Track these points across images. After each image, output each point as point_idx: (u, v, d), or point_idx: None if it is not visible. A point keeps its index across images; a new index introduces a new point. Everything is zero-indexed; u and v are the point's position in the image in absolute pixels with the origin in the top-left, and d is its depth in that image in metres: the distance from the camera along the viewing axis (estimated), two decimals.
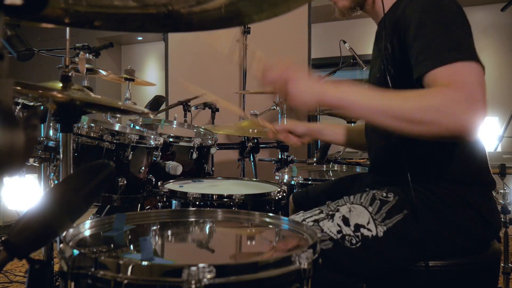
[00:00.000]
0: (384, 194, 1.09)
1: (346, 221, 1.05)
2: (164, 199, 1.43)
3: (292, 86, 0.99)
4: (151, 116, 1.19)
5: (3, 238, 0.68)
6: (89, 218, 1.89)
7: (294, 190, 1.72)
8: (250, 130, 2.17)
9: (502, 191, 1.81)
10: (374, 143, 1.28)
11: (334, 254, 1.01)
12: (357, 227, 1.03)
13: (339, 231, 1.03)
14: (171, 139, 1.98)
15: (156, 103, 2.98)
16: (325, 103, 0.99)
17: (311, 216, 1.09)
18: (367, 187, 1.16)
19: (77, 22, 0.63)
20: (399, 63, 1.07)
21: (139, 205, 1.88)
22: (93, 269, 0.62)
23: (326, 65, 5.18)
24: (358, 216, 1.05)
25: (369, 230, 1.03)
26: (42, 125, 1.61)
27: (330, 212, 1.08)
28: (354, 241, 1.02)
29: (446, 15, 0.99)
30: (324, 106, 1.01)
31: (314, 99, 0.99)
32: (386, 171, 1.22)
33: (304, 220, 1.09)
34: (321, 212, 1.10)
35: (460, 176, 1.08)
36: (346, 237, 1.03)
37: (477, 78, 0.90)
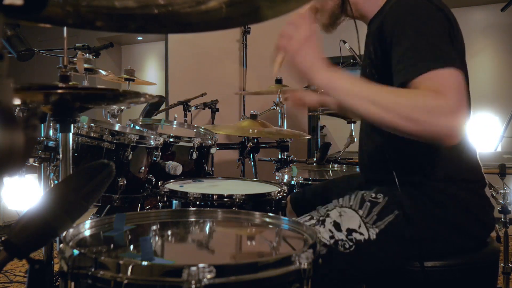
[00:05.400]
0: (373, 195, 1.08)
1: (337, 226, 1.04)
2: (164, 199, 1.43)
3: (296, 44, 0.98)
4: (147, 99, 1.18)
5: (3, 238, 0.68)
6: (89, 218, 1.89)
7: (294, 190, 1.72)
8: (250, 130, 2.17)
9: (502, 191, 1.80)
10: (365, 142, 1.28)
11: (329, 260, 1.01)
12: (349, 231, 1.03)
13: (332, 237, 1.03)
14: (171, 139, 1.98)
15: (156, 103, 2.98)
16: (313, 81, 0.98)
17: None
18: (356, 189, 1.16)
19: (78, 22, 0.63)
20: (382, 68, 1.08)
21: (139, 205, 1.88)
22: (93, 269, 0.62)
23: None
24: (349, 221, 1.05)
25: (361, 234, 1.02)
26: (42, 125, 1.61)
27: (321, 218, 1.08)
28: (347, 246, 1.02)
29: (424, 22, 1.00)
30: (311, 83, 1.00)
31: (310, 73, 0.98)
32: (376, 170, 1.22)
33: None
34: (312, 218, 1.10)
35: (449, 175, 1.09)
36: (339, 242, 1.02)
37: (454, 85, 0.91)
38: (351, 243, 1.02)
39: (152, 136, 1.78)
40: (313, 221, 1.08)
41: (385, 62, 1.05)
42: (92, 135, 1.63)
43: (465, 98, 0.90)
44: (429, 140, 0.91)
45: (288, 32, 0.99)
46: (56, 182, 1.55)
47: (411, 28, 1.00)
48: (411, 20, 1.01)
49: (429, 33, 0.99)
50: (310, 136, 2.40)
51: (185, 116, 2.79)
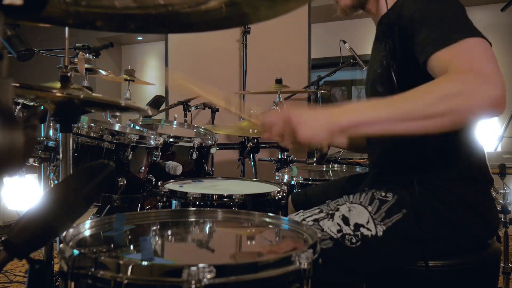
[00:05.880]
0: (383, 194, 1.09)
1: (346, 220, 1.05)
2: (164, 199, 1.43)
3: (297, 123, 0.89)
4: (150, 112, 1.18)
5: (3, 238, 0.68)
6: (89, 218, 1.89)
7: (294, 190, 1.72)
8: (250, 130, 2.17)
9: (502, 191, 1.80)
10: (375, 142, 1.28)
11: (335, 253, 1.02)
12: (357, 226, 1.04)
13: (339, 230, 1.04)
14: (171, 139, 1.98)
15: (156, 103, 2.98)
16: (341, 132, 0.90)
17: (311, 216, 1.10)
18: (366, 187, 1.17)
19: (78, 22, 0.63)
20: (401, 58, 1.08)
21: (139, 205, 1.88)
22: (93, 269, 0.62)
23: (326, 65, 5.17)
24: (358, 216, 1.05)
25: (368, 229, 1.03)
26: (42, 125, 1.61)
27: (330, 212, 1.09)
28: (354, 240, 1.02)
29: (444, 2, 1.02)
30: (340, 135, 0.90)
31: (328, 131, 0.89)
32: (387, 170, 1.22)
33: (304, 219, 1.09)
34: (321, 211, 1.10)
35: (460, 174, 1.09)
36: (346, 236, 1.03)
37: (483, 52, 0.90)
38: (357, 238, 1.02)
39: (152, 136, 1.78)
40: (322, 214, 1.09)
41: (404, 50, 1.05)
42: (92, 135, 1.63)
43: (496, 64, 0.88)
44: (482, 117, 0.87)
45: (275, 135, 0.95)
46: (56, 182, 1.55)
47: (433, 8, 1.01)
48: (432, 2, 1.02)
49: (452, 11, 0.99)
50: None
51: (185, 116, 2.79)
